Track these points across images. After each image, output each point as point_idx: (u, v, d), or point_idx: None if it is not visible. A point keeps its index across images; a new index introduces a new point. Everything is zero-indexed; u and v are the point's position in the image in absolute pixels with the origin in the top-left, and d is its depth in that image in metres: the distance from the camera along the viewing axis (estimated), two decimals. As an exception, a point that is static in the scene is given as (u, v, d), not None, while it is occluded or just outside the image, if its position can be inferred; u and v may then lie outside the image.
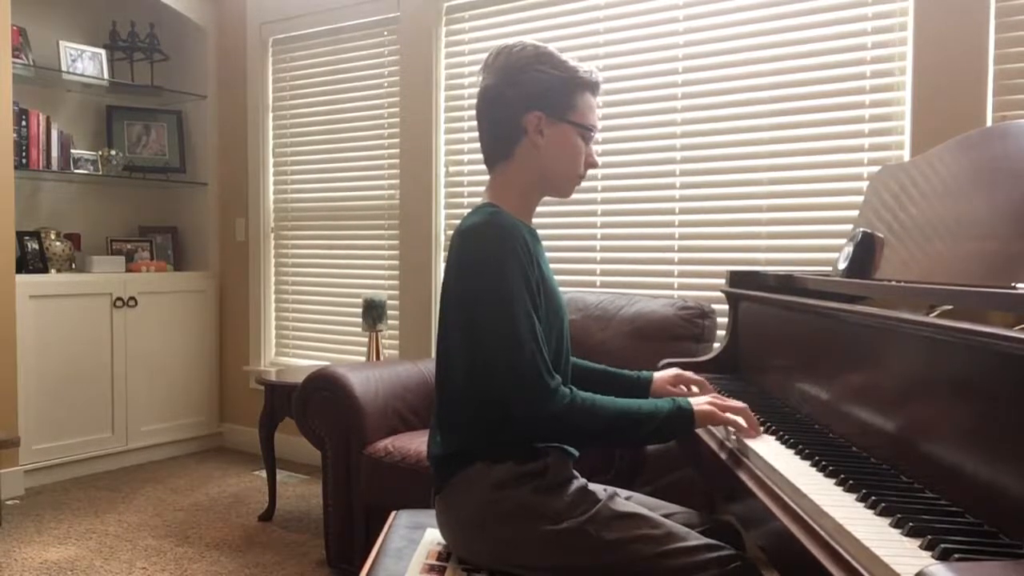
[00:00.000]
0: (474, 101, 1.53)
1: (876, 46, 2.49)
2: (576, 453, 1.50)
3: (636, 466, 2.16)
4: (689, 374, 1.69)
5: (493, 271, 1.34)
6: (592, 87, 1.50)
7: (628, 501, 1.47)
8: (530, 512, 1.35)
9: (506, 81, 1.46)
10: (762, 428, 1.40)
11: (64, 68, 3.75)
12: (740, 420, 1.38)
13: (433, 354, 3.31)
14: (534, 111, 1.45)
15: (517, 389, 1.32)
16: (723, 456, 1.36)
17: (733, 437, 1.37)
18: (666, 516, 1.49)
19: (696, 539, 1.35)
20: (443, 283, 1.47)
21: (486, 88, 1.49)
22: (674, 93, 2.87)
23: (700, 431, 1.48)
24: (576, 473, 1.46)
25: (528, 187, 1.51)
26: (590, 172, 1.61)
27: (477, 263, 1.37)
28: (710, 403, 1.40)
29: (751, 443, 1.30)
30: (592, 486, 1.43)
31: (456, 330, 1.41)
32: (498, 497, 1.36)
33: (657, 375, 1.70)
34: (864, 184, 2.48)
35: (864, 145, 2.52)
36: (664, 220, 2.91)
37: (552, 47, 1.49)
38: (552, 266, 3.32)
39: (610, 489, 1.46)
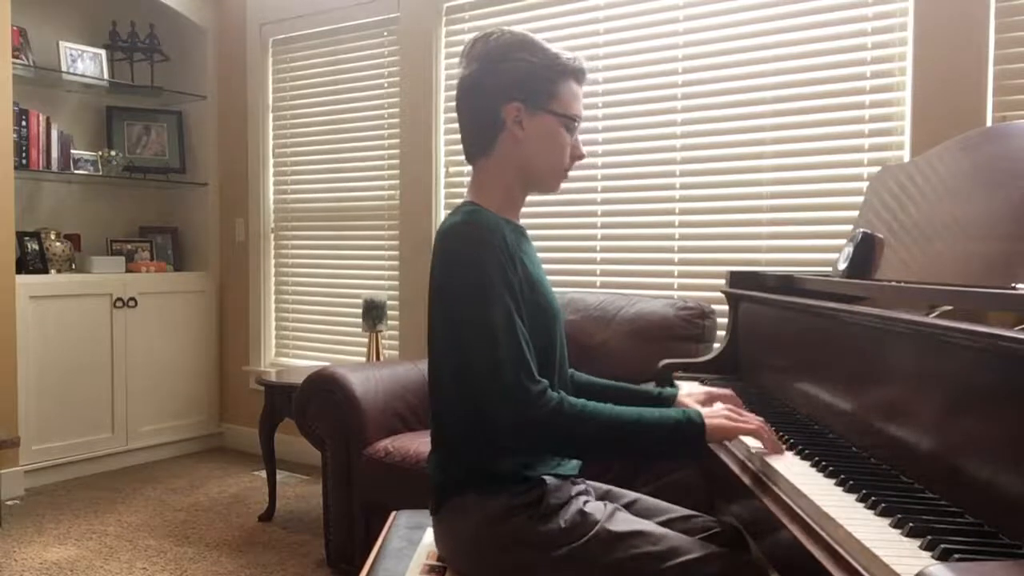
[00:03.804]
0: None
1: (876, 46, 2.49)
2: (575, 471, 1.45)
3: (636, 466, 2.15)
4: (719, 391, 1.53)
5: (470, 270, 1.29)
6: (576, 74, 1.43)
7: (630, 513, 1.41)
8: (527, 542, 1.31)
9: (484, 70, 1.39)
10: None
11: (64, 68, 3.75)
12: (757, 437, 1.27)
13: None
14: (513, 102, 1.38)
15: (495, 392, 1.25)
16: (721, 454, 1.36)
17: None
18: (669, 520, 1.46)
19: (699, 550, 1.30)
20: (429, 287, 1.41)
21: (464, 78, 1.42)
22: (674, 93, 2.87)
23: None
24: (575, 490, 1.41)
25: (510, 182, 1.44)
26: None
27: (454, 263, 1.31)
28: (725, 416, 1.28)
29: (749, 441, 1.30)
30: (591, 505, 1.37)
31: (440, 333, 1.37)
32: (493, 530, 1.32)
33: (683, 392, 1.54)
34: (864, 184, 2.48)
35: (864, 145, 2.52)
36: (664, 220, 2.91)
37: (534, 35, 1.42)
38: (552, 266, 3.28)
39: (611, 505, 1.39)
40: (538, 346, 1.34)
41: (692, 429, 1.25)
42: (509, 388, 1.24)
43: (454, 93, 1.48)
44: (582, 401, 1.28)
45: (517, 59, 1.38)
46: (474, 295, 1.28)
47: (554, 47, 1.42)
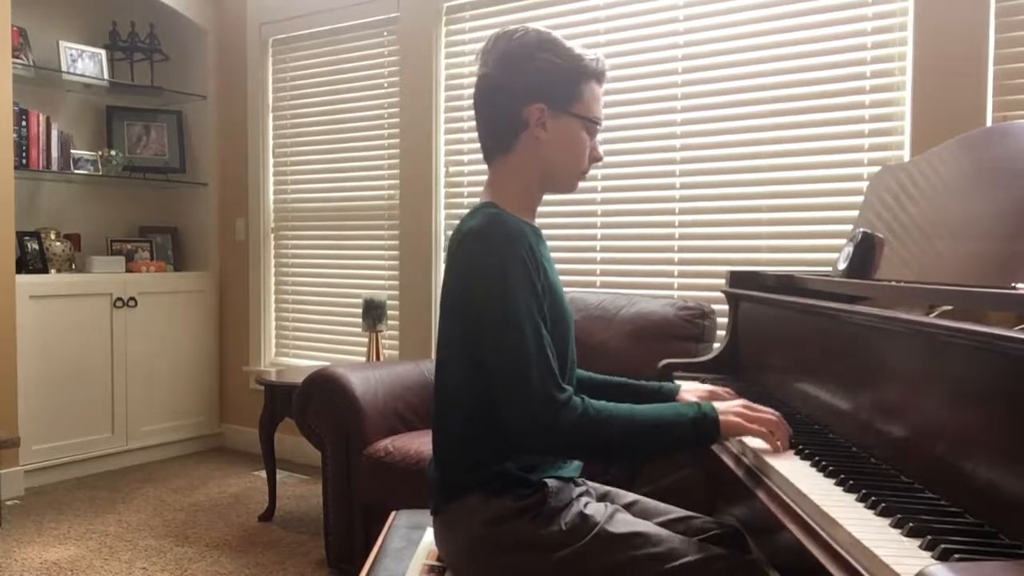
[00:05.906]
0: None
1: (876, 46, 2.49)
2: (576, 473, 1.45)
3: (635, 466, 2.15)
4: (721, 390, 1.55)
5: (497, 277, 1.27)
6: (598, 76, 1.41)
7: (630, 513, 1.41)
8: (528, 544, 1.31)
9: (506, 70, 1.38)
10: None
11: (64, 68, 3.75)
12: (774, 440, 1.26)
13: (433, 354, 3.31)
14: (536, 103, 1.37)
15: (524, 402, 1.24)
16: (722, 455, 1.35)
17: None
18: (669, 521, 1.45)
19: (698, 551, 1.30)
20: (443, 290, 1.40)
21: (484, 76, 1.41)
22: (674, 93, 2.87)
23: None
24: (576, 491, 1.41)
25: (530, 182, 1.43)
26: (591, 171, 1.55)
27: (479, 269, 1.29)
28: (738, 412, 1.29)
29: (748, 441, 1.30)
30: (592, 507, 1.37)
31: (456, 339, 1.36)
32: (495, 531, 1.32)
33: (685, 388, 1.56)
34: (864, 184, 2.48)
35: (864, 145, 2.52)
36: (664, 220, 2.91)
37: (556, 33, 1.41)
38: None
39: (611, 507, 1.39)
40: (556, 351, 1.33)
41: (706, 426, 1.28)
42: (537, 396, 1.24)
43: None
44: (603, 403, 1.28)
45: (541, 60, 1.37)
46: (500, 301, 1.27)
47: (577, 47, 1.41)
